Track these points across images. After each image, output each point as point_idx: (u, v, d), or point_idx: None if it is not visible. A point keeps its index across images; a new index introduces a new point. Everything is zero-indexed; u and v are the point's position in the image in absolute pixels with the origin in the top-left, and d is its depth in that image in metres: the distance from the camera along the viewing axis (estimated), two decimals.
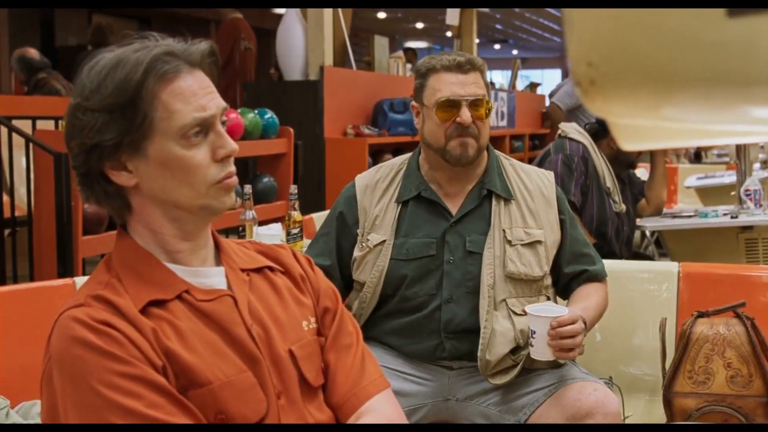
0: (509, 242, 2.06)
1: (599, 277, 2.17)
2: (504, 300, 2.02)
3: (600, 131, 3.66)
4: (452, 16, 7.99)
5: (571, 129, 3.70)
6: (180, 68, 1.23)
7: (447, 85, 2.10)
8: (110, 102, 1.20)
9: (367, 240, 2.12)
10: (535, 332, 1.90)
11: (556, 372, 2.00)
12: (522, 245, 2.06)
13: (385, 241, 2.10)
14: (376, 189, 2.17)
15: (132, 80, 1.20)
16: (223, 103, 1.27)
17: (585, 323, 1.93)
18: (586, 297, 2.10)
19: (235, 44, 6.45)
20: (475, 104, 2.10)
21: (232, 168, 1.28)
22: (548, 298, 2.10)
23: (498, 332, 1.99)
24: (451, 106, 2.09)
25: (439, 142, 2.12)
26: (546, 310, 1.92)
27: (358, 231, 2.15)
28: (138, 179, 1.24)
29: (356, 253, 2.14)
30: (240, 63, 6.48)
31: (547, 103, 8.96)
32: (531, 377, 1.98)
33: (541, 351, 1.90)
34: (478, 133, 2.11)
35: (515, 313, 2.01)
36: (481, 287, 2.03)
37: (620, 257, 3.58)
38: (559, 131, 3.73)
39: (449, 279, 2.07)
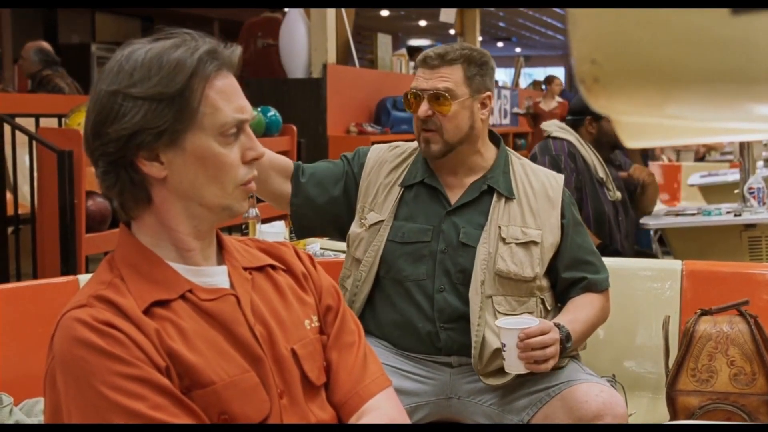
0: (503, 239, 2.05)
1: (599, 287, 2.13)
2: (490, 296, 2.02)
3: (577, 120, 3.64)
4: (447, 14, 7.87)
5: (554, 127, 3.68)
6: (222, 68, 1.25)
7: (416, 80, 2.14)
8: (158, 91, 1.20)
9: (365, 218, 2.14)
10: (505, 345, 1.89)
11: (559, 372, 1.98)
12: (516, 244, 2.05)
13: (382, 221, 2.12)
14: (383, 167, 2.19)
15: (182, 72, 1.21)
16: (252, 109, 1.30)
17: (567, 334, 1.93)
18: (577, 309, 2.07)
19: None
20: (435, 98, 2.10)
21: (255, 172, 1.30)
22: (543, 301, 2.08)
23: (489, 329, 1.99)
24: (414, 98, 2.12)
25: (416, 137, 2.16)
26: (517, 323, 1.91)
27: (358, 203, 2.17)
28: (168, 172, 1.23)
29: (354, 228, 2.16)
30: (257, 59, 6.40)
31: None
32: (533, 377, 1.97)
33: (512, 364, 1.90)
34: (440, 127, 2.10)
35: (499, 312, 2.01)
36: (472, 282, 2.03)
37: (623, 251, 3.57)
38: (543, 131, 3.71)
39: (441, 268, 2.07)
